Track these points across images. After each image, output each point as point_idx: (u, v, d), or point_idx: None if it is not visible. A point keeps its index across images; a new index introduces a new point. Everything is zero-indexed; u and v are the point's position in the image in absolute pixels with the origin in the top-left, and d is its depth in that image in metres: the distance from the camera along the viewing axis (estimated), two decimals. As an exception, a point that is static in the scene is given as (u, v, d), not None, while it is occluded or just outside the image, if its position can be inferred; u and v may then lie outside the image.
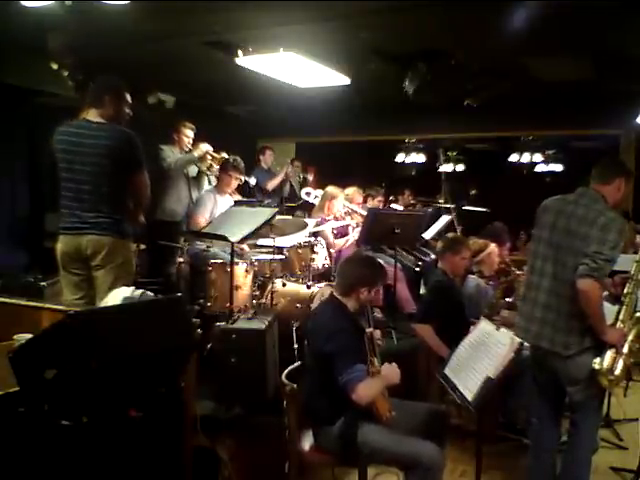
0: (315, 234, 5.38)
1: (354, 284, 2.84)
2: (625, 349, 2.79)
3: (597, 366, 2.74)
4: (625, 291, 2.94)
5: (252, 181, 6.31)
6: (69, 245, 3.34)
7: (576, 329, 2.75)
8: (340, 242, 5.71)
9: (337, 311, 2.83)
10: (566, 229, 2.82)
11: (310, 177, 7.44)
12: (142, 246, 5.10)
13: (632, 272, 2.97)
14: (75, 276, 3.39)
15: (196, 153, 5.56)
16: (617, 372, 2.75)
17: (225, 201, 5.33)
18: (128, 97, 3.49)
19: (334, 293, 2.94)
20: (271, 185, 7.01)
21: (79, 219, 3.31)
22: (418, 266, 6.07)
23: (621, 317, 2.87)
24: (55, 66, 4.39)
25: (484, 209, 7.79)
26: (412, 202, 7.99)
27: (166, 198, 5.61)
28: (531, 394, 3.20)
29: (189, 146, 5.69)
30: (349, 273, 2.90)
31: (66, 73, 4.44)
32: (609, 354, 2.75)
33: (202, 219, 5.08)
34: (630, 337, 2.84)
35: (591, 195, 2.87)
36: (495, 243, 4.59)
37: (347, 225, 5.89)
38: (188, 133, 5.72)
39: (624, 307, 2.89)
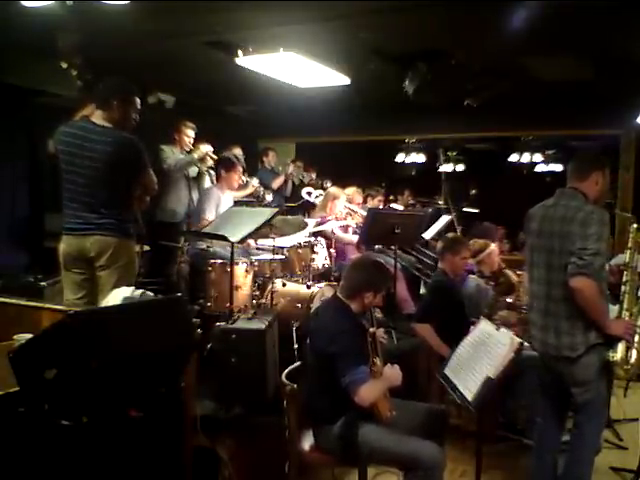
0: (315, 234, 5.39)
1: (360, 288, 2.83)
2: (636, 338, 2.79)
3: (611, 358, 2.75)
4: (624, 279, 2.95)
5: (254, 182, 6.35)
6: (73, 246, 3.33)
7: (579, 329, 2.75)
8: (346, 236, 5.71)
9: (340, 312, 2.82)
10: (550, 232, 2.83)
11: (313, 175, 7.44)
12: (146, 247, 5.10)
13: (627, 260, 2.98)
14: (77, 276, 3.38)
15: (196, 154, 5.57)
16: (632, 361, 2.76)
17: (227, 198, 5.36)
18: (137, 102, 3.43)
19: (338, 294, 2.94)
20: (276, 184, 7.07)
21: (83, 220, 3.29)
22: (428, 276, 5.96)
23: (625, 306, 2.87)
24: (65, 65, 4.37)
25: (478, 210, 7.82)
26: (411, 202, 7.99)
27: (166, 199, 5.62)
28: (535, 394, 3.20)
29: (190, 146, 5.70)
30: (356, 277, 2.89)
31: (75, 72, 4.42)
32: (621, 345, 2.76)
33: (210, 215, 5.06)
34: (639, 323, 2.84)
35: (568, 193, 2.87)
36: None
37: (347, 225, 5.89)
38: (189, 133, 5.72)
39: (626, 295, 2.89)
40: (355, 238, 5.75)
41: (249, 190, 6.14)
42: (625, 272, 2.96)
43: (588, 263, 2.63)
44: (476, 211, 7.81)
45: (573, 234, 2.70)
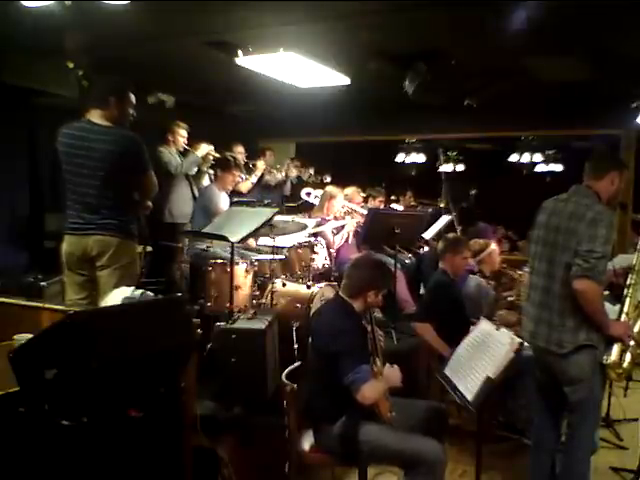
0: (315, 234, 5.39)
1: (363, 287, 2.83)
2: (632, 341, 2.79)
3: (605, 360, 2.74)
4: (628, 282, 2.94)
5: (253, 179, 6.39)
6: (75, 246, 3.34)
7: (569, 327, 2.75)
8: (336, 239, 5.71)
9: (342, 311, 2.83)
10: (557, 226, 2.83)
11: (311, 172, 7.40)
12: (149, 248, 5.09)
13: (634, 262, 2.97)
14: (79, 276, 3.39)
15: (199, 153, 5.61)
16: (625, 365, 2.76)
17: (225, 197, 5.37)
18: (133, 98, 3.46)
19: (340, 293, 2.94)
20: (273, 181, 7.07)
21: (85, 220, 3.30)
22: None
23: (625, 309, 2.87)
24: (71, 65, 4.37)
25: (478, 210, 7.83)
26: (412, 204, 7.99)
27: (171, 201, 5.66)
28: (531, 394, 3.20)
29: (184, 145, 5.74)
30: (358, 276, 2.89)
31: (81, 72, 4.42)
32: (616, 348, 2.75)
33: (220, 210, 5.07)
34: (636, 329, 2.84)
35: (582, 191, 2.88)
36: None
37: (343, 226, 5.88)
38: (182, 133, 5.78)
39: (628, 299, 2.88)
40: (339, 240, 5.73)
41: (259, 172, 6.32)
42: (630, 275, 2.95)
43: (593, 266, 2.62)
44: (477, 210, 7.81)
45: (579, 233, 2.69)
